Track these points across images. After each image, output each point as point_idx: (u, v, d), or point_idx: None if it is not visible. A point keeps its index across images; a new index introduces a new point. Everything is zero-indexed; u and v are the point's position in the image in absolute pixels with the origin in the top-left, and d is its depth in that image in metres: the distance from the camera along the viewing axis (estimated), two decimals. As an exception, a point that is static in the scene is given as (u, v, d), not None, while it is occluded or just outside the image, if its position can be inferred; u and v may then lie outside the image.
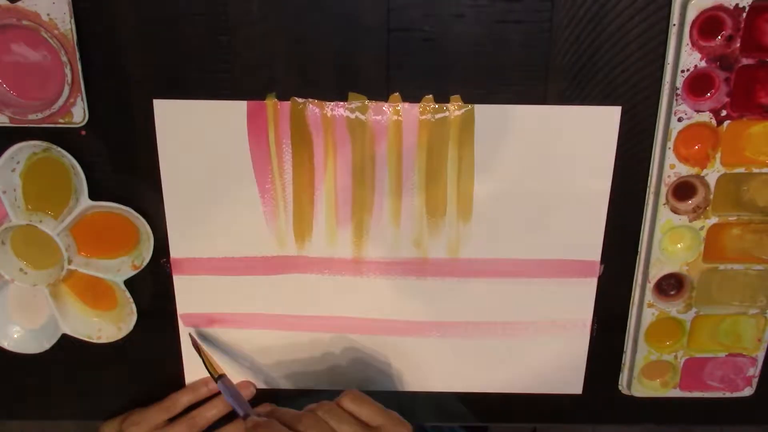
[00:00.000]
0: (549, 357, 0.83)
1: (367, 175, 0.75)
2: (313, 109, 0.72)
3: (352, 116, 0.72)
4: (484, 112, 0.72)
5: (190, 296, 0.81)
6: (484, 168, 0.74)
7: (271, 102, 0.72)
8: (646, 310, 0.79)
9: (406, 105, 0.72)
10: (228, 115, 0.72)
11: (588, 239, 0.77)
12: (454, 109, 0.72)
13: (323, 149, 0.74)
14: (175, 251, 0.78)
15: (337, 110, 0.72)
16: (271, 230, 0.77)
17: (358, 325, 0.82)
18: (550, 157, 0.74)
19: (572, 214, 0.76)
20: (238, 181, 0.75)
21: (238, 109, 0.72)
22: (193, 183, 0.75)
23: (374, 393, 0.82)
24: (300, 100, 0.72)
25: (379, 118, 0.72)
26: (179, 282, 0.80)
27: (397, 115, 0.72)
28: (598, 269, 0.79)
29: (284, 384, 0.85)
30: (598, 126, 0.72)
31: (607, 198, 0.75)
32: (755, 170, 0.73)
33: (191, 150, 0.74)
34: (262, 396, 0.85)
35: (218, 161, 0.74)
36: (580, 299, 0.80)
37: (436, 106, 0.72)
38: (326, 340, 0.83)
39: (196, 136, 0.73)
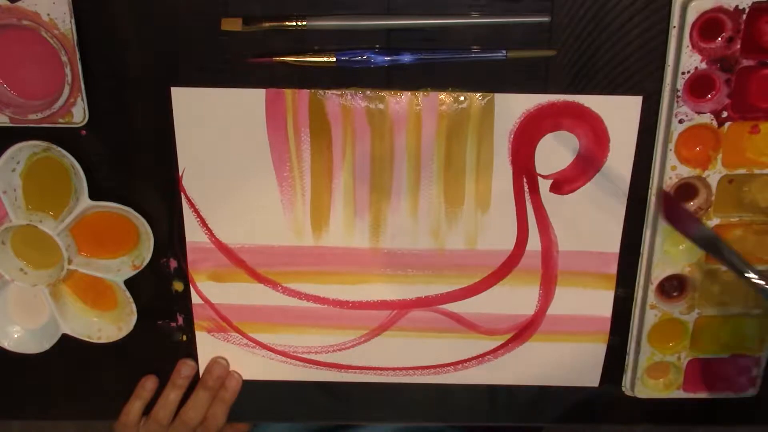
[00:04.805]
0: (568, 350, 0.83)
1: (386, 164, 0.75)
2: (332, 98, 0.72)
3: (372, 106, 0.72)
4: (504, 100, 0.72)
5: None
6: (503, 158, 0.74)
7: (289, 90, 0.72)
8: (648, 311, 0.78)
9: (427, 95, 0.72)
10: (246, 103, 0.72)
11: (607, 229, 0.77)
12: (475, 98, 0.72)
13: (342, 138, 0.74)
14: (192, 238, 0.79)
15: (357, 100, 0.72)
16: (289, 219, 0.77)
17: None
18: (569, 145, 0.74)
19: (591, 205, 0.76)
20: (256, 169, 0.75)
21: (257, 97, 0.72)
22: (211, 171, 0.75)
23: (382, 386, 0.83)
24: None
25: (398, 108, 0.72)
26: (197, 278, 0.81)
27: (417, 105, 0.72)
28: (616, 261, 0.78)
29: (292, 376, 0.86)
30: (618, 115, 0.72)
31: (627, 188, 0.75)
32: (756, 171, 0.73)
33: (209, 138, 0.74)
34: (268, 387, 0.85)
35: (236, 149, 0.74)
36: (599, 291, 0.80)
37: (455, 95, 0.72)
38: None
39: (214, 125, 0.73)
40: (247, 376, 0.85)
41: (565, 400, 0.86)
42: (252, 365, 0.85)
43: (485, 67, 0.70)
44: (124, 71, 0.71)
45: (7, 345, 0.81)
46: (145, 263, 0.78)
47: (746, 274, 0.65)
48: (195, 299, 0.81)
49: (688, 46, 0.67)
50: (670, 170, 0.72)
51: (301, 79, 0.71)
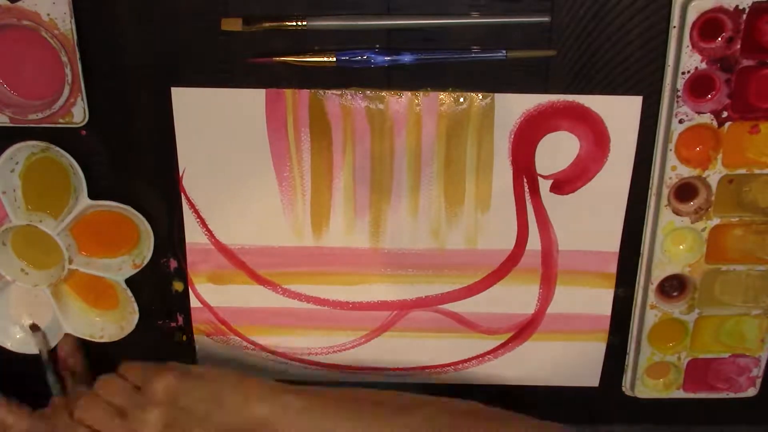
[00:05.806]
0: (568, 349, 0.83)
1: (386, 164, 0.75)
2: (332, 97, 0.72)
3: (372, 106, 0.72)
4: (504, 100, 0.72)
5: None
6: (503, 158, 0.74)
7: (289, 90, 0.72)
8: (648, 311, 0.78)
9: (427, 95, 0.72)
10: (246, 103, 0.72)
11: (607, 229, 0.77)
12: (475, 98, 0.72)
13: (342, 138, 0.74)
14: (191, 239, 0.78)
15: (357, 100, 0.72)
16: (289, 219, 0.77)
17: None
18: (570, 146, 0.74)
19: (591, 204, 0.76)
20: (256, 169, 0.75)
21: (257, 97, 0.72)
22: (211, 171, 0.75)
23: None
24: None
25: (398, 108, 0.72)
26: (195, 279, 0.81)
27: (417, 105, 0.72)
28: (616, 259, 0.78)
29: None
30: (618, 115, 0.72)
31: (627, 188, 0.75)
32: (756, 171, 0.72)
33: (209, 138, 0.74)
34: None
35: (236, 149, 0.74)
36: (599, 290, 0.80)
37: (455, 95, 0.72)
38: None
39: (214, 125, 0.73)
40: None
41: (565, 400, 0.86)
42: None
43: (485, 67, 0.70)
44: (124, 71, 0.71)
45: (10, 346, 0.82)
46: (145, 262, 0.78)
47: None
48: (194, 302, 0.81)
49: (688, 46, 0.67)
50: (670, 170, 0.72)
51: (301, 79, 0.71)
